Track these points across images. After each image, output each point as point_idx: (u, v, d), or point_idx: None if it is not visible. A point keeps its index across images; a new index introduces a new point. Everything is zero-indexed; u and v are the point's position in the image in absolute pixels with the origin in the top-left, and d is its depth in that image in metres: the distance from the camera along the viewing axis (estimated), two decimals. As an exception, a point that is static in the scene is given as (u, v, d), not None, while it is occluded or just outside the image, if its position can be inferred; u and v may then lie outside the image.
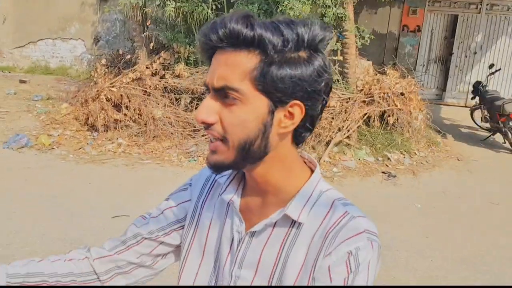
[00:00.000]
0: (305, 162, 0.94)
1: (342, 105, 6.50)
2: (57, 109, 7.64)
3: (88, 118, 6.84)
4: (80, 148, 6.27)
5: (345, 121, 6.44)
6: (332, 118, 6.41)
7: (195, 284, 0.97)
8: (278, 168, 0.87)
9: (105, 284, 1.01)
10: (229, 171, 0.97)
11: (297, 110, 0.82)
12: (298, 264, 0.85)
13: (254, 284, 0.89)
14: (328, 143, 6.28)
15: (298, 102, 0.81)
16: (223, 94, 0.80)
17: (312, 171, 0.93)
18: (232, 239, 0.92)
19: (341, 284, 0.81)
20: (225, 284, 0.92)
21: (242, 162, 0.84)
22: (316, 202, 0.88)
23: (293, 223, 0.87)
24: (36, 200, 4.49)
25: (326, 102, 0.86)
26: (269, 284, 0.87)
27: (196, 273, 0.97)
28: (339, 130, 6.41)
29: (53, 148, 6.19)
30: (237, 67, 0.78)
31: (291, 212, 0.86)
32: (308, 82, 0.80)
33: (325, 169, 5.92)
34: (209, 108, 0.81)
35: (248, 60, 0.78)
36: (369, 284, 0.82)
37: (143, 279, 1.04)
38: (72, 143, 6.43)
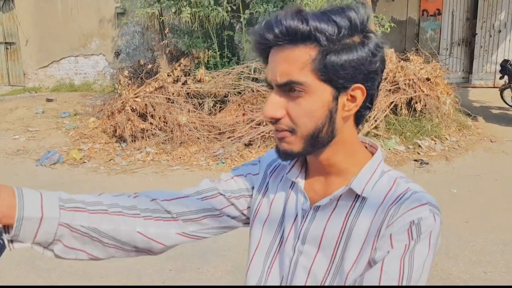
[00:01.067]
0: (366, 147, 0.96)
1: (366, 95, 6.40)
2: (85, 124, 7.80)
3: (115, 130, 6.94)
4: (110, 160, 6.36)
5: (371, 111, 6.34)
6: (358, 110, 6.32)
7: (257, 254, 0.99)
8: (342, 150, 0.90)
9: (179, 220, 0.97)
10: None
11: (359, 92, 0.85)
12: (361, 237, 0.86)
13: (317, 258, 0.90)
14: (355, 135, 6.19)
15: (359, 85, 0.84)
16: (288, 88, 0.83)
17: (373, 154, 0.94)
18: (296, 215, 0.94)
19: (402, 250, 0.81)
20: (287, 259, 0.93)
21: (311, 149, 0.87)
22: (378, 179, 0.90)
23: (357, 197, 0.89)
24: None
25: (381, 79, 0.89)
26: (332, 259, 0.88)
27: (258, 242, 0.99)
28: (366, 121, 6.31)
29: (84, 162, 6.31)
30: (297, 61, 0.81)
31: (355, 186, 0.88)
32: (366, 65, 0.82)
33: (355, 161, 5.83)
34: (276, 104, 0.84)
35: (307, 53, 0.81)
36: (430, 254, 0.83)
37: (210, 231, 1.01)
38: (102, 156, 6.53)
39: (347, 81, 0.82)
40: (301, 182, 0.96)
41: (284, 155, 0.88)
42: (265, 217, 0.99)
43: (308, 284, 0.90)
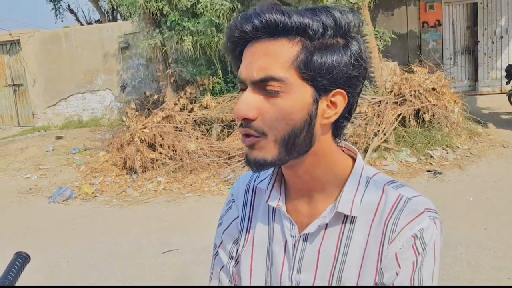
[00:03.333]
0: (343, 151, 0.90)
1: (374, 109, 6.39)
2: (95, 158, 7.83)
3: (125, 162, 6.96)
4: (122, 192, 6.36)
5: (379, 125, 6.31)
6: (366, 124, 6.30)
7: None
8: (322, 161, 0.83)
9: None
10: (269, 172, 0.94)
11: (340, 98, 0.80)
12: (358, 259, 0.82)
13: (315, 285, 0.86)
14: (366, 150, 6.15)
15: (340, 90, 0.79)
16: (263, 86, 0.75)
17: (353, 159, 0.89)
18: (286, 243, 0.89)
19: (411, 268, 0.78)
20: None
21: (286, 157, 0.79)
22: (365, 191, 0.84)
23: (346, 218, 0.84)
24: (86, 247, 4.54)
25: (362, 88, 0.84)
26: (330, 284, 0.84)
27: (250, 277, 0.94)
28: (375, 135, 6.28)
29: (96, 196, 6.31)
30: (278, 56, 0.74)
31: (342, 208, 0.82)
32: (349, 68, 0.77)
33: (367, 176, 5.77)
34: (249, 103, 0.76)
35: (290, 48, 0.75)
36: (436, 261, 0.80)
37: None
38: (114, 188, 6.54)
39: (330, 83, 0.76)
40: (283, 206, 0.89)
41: (256, 164, 0.79)
42: (251, 250, 0.94)
43: None
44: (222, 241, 1.00)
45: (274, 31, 0.74)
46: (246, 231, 0.96)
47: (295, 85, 0.75)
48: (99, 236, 4.84)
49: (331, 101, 0.79)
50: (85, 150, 8.61)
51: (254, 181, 0.97)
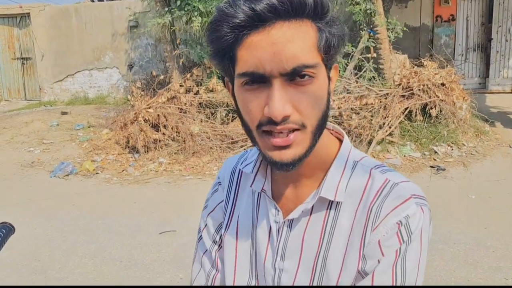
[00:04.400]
0: (331, 133, 0.86)
1: (380, 101, 6.31)
2: (98, 136, 7.83)
3: (128, 141, 6.95)
4: (123, 171, 6.36)
5: (385, 118, 6.25)
6: (372, 116, 6.23)
7: (235, 284, 0.90)
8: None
9: None
10: (255, 156, 0.90)
11: (334, 72, 0.77)
12: (342, 246, 0.78)
13: (298, 274, 0.82)
14: (370, 143, 6.10)
15: (335, 64, 0.77)
16: (294, 76, 0.68)
17: (340, 141, 0.85)
18: (270, 229, 0.85)
19: (393, 256, 0.74)
20: (269, 277, 0.85)
21: (313, 147, 0.74)
22: (351, 175, 0.80)
23: (331, 203, 0.80)
24: (84, 223, 4.55)
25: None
26: (313, 272, 0.80)
27: (234, 271, 0.90)
28: (380, 127, 6.22)
29: (97, 173, 6.31)
30: (304, 40, 0.68)
31: (326, 193, 0.79)
32: (345, 41, 0.75)
33: (369, 168, 5.72)
34: (285, 98, 0.68)
35: (310, 30, 0.69)
36: (423, 251, 0.75)
37: None
38: (115, 167, 6.54)
39: (334, 59, 0.74)
40: (268, 190, 0.85)
41: (293, 164, 0.72)
42: (235, 235, 0.91)
43: None
44: (206, 225, 0.97)
45: (291, 12, 0.67)
46: (230, 215, 0.93)
47: (319, 68, 0.70)
48: (98, 213, 4.84)
49: (329, 76, 0.75)
50: (89, 127, 8.61)
51: (241, 165, 0.93)
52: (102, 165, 6.57)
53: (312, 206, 0.81)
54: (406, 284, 0.74)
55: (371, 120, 6.19)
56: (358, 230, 0.77)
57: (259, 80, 0.69)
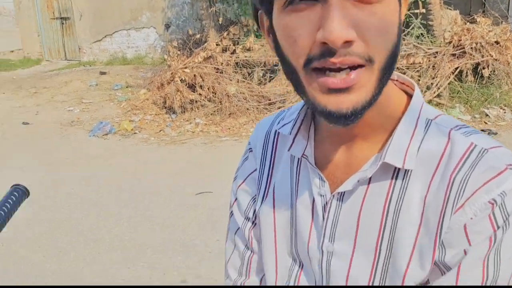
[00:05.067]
0: (395, 85, 0.67)
1: (429, 60, 5.93)
2: (136, 96, 7.81)
3: (165, 101, 6.88)
4: (160, 131, 6.33)
5: (433, 78, 5.88)
6: (419, 76, 5.88)
7: (278, 270, 0.75)
8: None
9: None
10: (294, 114, 0.71)
11: None
12: (413, 227, 0.60)
13: (354, 260, 0.65)
14: (415, 104, 5.78)
15: None
16: None
17: (409, 96, 0.66)
18: (313, 205, 0.68)
19: (485, 246, 0.56)
20: (315, 262, 0.69)
21: (380, 92, 0.55)
22: (425, 136, 0.62)
23: (397, 171, 0.62)
24: (121, 183, 4.55)
25: None
26: (376, 258, 0.63)
27: (274, 254, 0.75)
28: (428, 88, 5.87)
29: (135, 133, 6.30)
30: None
31: (391, 158, 0.60)
32: None
33: (414, 132, 5.45)
34: (346, 20, 0.50)
35: None
36: None
37: None
38: (152, 127, 6.51)
39: None
40: (311, 155, 0.68)
41: (356, 113, 0.53)
42: (272, 211, 0.74)
43: None
44: (236, 199, 0.82)
45: None
46: (266, 188, 0.76)
47: None
48: (134, 173, 4.83)
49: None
50: (127, 87, 8.61)
51: (277, 125, 0.76)
52: (140, 125, 6.56)
53: (371, 176, 0.63)
54: (498, 280, 0.57)
55: (418, 80, 5.84)
56: (434, 209, 0.59)
57: None
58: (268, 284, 0.76)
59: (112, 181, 4.62)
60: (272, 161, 0.76)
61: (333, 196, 0.65)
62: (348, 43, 0.50)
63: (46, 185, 4.46)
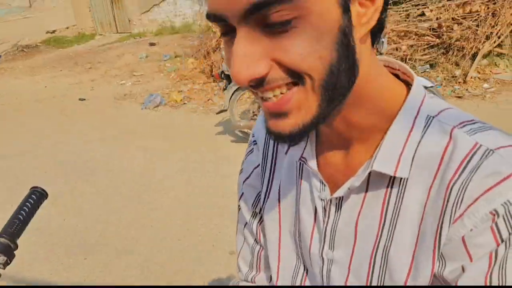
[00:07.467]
0: (397, 75, 0.59)
1: (487, 8, 5.48)
2: (184, 66, 7.88)
3: (212, 69, 6.89)
4: (208, 100, 6.37)
5: (493, 26, 5.44)
6: (477, 26, 5.45)
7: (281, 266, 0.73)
8: (364, 98, 0.55)
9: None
10: None
11: None
12: (410, 238, 0.55)
13: (352, 269, 0.61)
14: (474, 56, 5.40)
15: None
16: (261, 18, 0.45)
17: (408, 85, 0.58)
18: (315, 209, 0.64)
19: (487, 262, 0.49)
20: (317, 269, 0.66)
21: (328, 109, 0.50)
22: (423, 137, 0.54)
23: (393, 178, 0.56)
24: (173, 156, 4.65)
25: None
26: (370, 269, 0.59)
27: (278, 255, 0.72)
28: (487, 38, 5.45)
29: (184, 103, 6.39)
30: None
31: (380, 165, 0.55)
32: None
33: (473, 86, 5.12)
34: (252, 54, 0.46)
35: None
36: None
37: None
38: (201, 96, 6.57)
39: None
40: (311, 158, 0.63)
41: (290, 136, 0.51)
42: (278, 210, 0.71)
43: None
44: (243, 193, 0.79)
45: None
46: (268, 185, 0.72)
47: (310, 2, 0.44)
48: (185, 145, 4.92)
49: None
50: (175, 57, 8.69)
51: None
52: (188, 95, 6.63)
53: (368, 181, 0.57)
54: None
55: (476, 30, 5.42)
56: (433, 218, 0.53)
57: (227, 28, 0.48)
58: (273, 281, 0.74)
59: (165, 153, 4.73)
60: (274, 157, 0.73)
61: (331, 201, 0.61)
62: (257, 79, 0.47)
63: (107, 154, 4.65)
